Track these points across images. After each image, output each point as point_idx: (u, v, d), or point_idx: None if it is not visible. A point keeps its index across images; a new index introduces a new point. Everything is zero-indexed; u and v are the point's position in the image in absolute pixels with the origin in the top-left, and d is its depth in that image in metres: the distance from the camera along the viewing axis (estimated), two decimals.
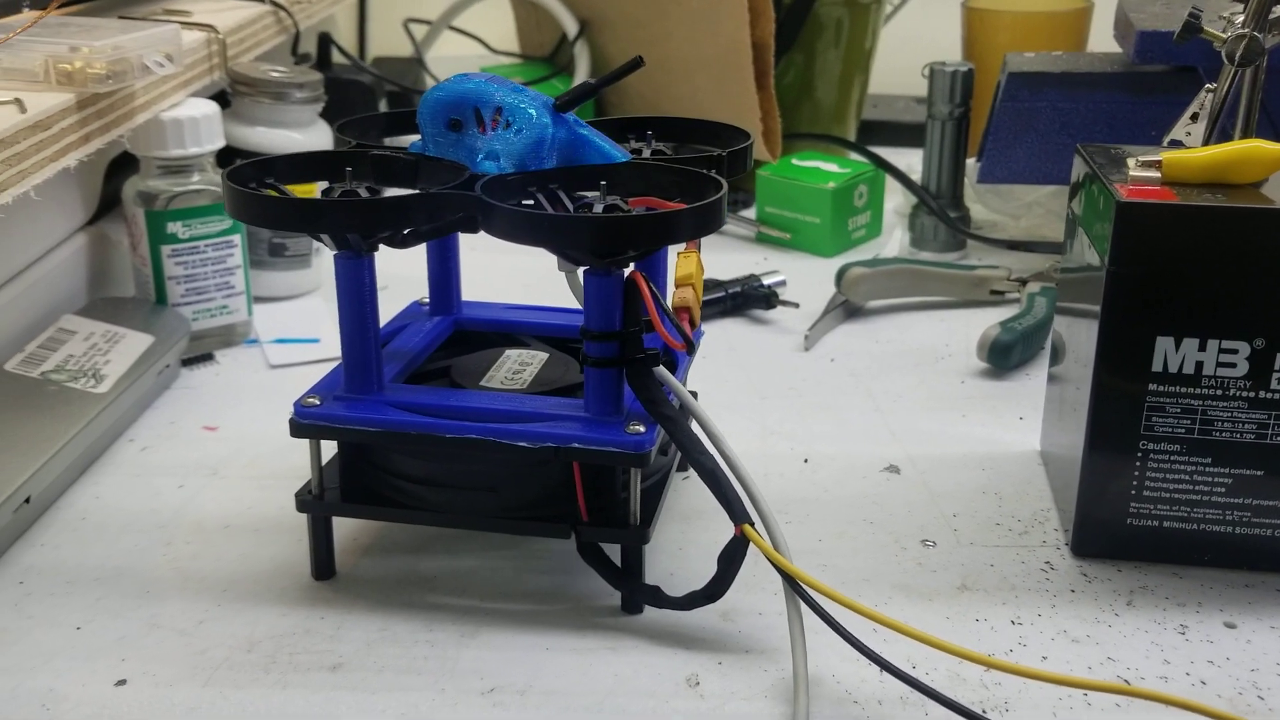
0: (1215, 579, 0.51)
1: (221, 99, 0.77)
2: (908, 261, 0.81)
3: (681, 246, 0.49)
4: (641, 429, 0.45)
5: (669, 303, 0.46)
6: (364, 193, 0.46)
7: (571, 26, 1.08)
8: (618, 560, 0.48)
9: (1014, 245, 0.87)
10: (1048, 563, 0.52)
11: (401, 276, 0.72)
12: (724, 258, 0.88)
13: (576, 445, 0.45)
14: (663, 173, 0.48)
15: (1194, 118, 0.59)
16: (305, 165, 0.49)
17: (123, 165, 0.73)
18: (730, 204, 0.96)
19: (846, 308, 0.79)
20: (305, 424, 0.47)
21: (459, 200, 0.45)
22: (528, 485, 0.48)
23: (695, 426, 0.47)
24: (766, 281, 0.80)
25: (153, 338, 0.66)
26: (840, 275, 0.78)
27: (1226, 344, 0.48)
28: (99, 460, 0.60)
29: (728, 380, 0.70)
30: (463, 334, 0.57)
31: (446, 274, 0.57)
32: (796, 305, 0.78)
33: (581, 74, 1.08)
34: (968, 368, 0.71)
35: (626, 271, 0.45)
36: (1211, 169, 0.48)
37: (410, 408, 0.47)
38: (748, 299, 0.79)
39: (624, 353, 0.46)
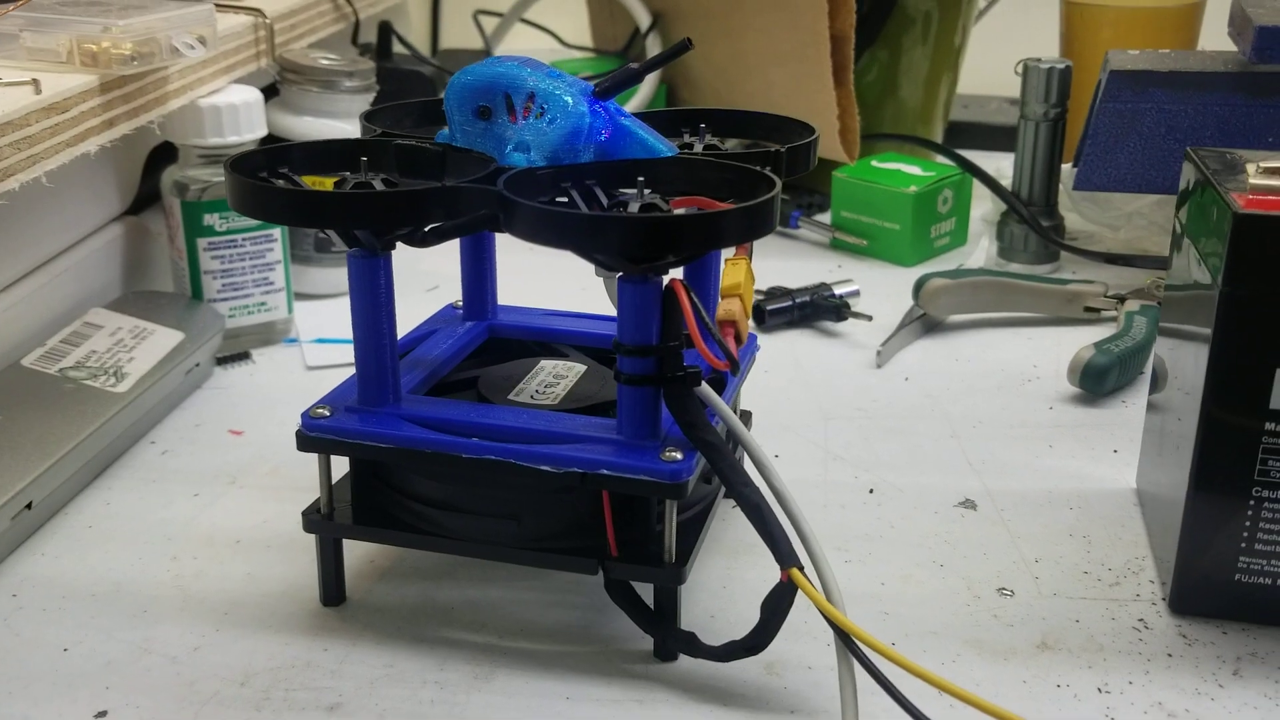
0: None
1: (273, 88, 0.74)
2: (994, 273, 0.74)
3: (731, 252, 0.44)
4: (679, 456, 0.40)
5: (714, 315, 0.41)
6: (379, 185, 0.42)
7: (644, 19, 1.03)
8: (651, 600, 0.43)
9: (1112, 259, 0.79)
10: (1141, 620, 0.46)
11: (454, 276, 0.68)
12: (795, 264, 0.83)
13: (604, 472, 0.40)
14: (712, 169, 0.42)
15: None
16: (323, 155, 0.45)
17: (171, 154, 0.70)
18: (804, 207, 0.91)
19: (924, 322, 0.73)
20: (313, 437, 0.43)
21: (478, 196, 0.40)
22: (551, 514, 0.43)
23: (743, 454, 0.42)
24: (838, 291, 0.74)
25: (183, 334, 0.62)
26: (918, 286, 0.72)
27: None
28: (116, 463, 0.57)
29: (790, 398, 0.65)
30: (496, 341, 0.52)
31: (481, 275, 0.52)
32: (869, 318, 0.73)
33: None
34: (1057, 392, 0.65)
35: (666, 279, 0.40)
36: None
37: (426, 423, 0.43)
38: (817, 310, 0.74)
39: (661, 370, 0.41)
